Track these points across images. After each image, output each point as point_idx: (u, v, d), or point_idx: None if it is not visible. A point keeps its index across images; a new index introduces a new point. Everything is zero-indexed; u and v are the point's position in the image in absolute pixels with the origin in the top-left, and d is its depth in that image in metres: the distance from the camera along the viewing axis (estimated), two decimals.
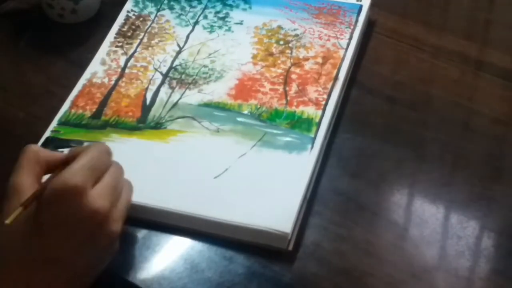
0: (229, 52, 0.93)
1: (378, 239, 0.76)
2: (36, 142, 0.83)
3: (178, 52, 0.94)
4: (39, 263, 0.66)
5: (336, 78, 0.89)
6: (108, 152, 0.71)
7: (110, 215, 0.68)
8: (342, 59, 0.91)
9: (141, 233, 0.77)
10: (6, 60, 0.96)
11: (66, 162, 0.69)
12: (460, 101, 0.89)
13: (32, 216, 0.66)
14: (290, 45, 0.93)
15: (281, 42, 0.94)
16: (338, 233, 0.76)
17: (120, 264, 0.74)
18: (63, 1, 0.97)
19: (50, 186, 0.66)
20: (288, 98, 0.87)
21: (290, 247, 0.75)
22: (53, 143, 0.83)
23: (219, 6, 0.99)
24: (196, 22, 0.97)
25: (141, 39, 0.95)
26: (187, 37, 0.95)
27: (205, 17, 0.98)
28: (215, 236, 0.76)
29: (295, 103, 0.87)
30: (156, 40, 0.95)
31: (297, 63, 0.91)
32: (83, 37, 0.98)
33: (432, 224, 0.77)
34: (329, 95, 0.87)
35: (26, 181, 0.68)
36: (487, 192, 0.80)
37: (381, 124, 0.88)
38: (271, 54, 0.93)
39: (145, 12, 0.99)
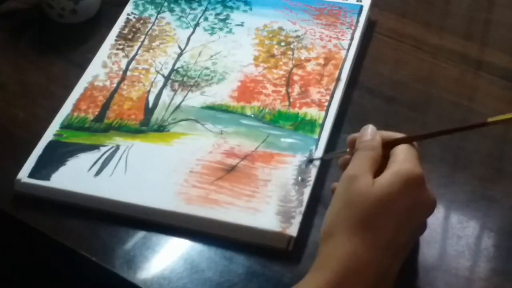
0: (231, 54, 0.93)
1: None
2: (36, 142, 0.83)
3: (180, 55, 0.93)
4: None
5: (338, 79, 0.89)
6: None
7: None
8: (344, 60, 0.91)
9: (141, 233, 0.77)
10: (6, 60, 0.96)
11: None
12: (460, 101, 0.89)
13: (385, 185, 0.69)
14: (292, 46, 0.93)
15: (283, 44, 0.94)
16: None
17: (120, 264, 0.74)
18: (63, 1, 0.97)
19: (398, 172, 0.70)
20: (291, 100, 0.87)
21: (290, 247, 0.75)
22: (56, 146, 0.83)
23: (219, 8, 0.99)
24: (197, 24, 0.97)
25: (142, 42, 0.95)
26: (188, 39, 0.95)
27: (206, 19, 0.98)
28: (215, 236, 0.76)
29: (298, 105, 0.86)
30: (157, 43, 0.95)
31: (299, 65, 0.91)
32: (83, 37, 0.98)
33: (432, 224, 0.77)
34: (331, 96, 0.87)
35: None
36: (487, 192, 0.80)
37: (381, 124, 0.87)
38: (273, 56, 0.92)
39: (145, 14, 0.99)
